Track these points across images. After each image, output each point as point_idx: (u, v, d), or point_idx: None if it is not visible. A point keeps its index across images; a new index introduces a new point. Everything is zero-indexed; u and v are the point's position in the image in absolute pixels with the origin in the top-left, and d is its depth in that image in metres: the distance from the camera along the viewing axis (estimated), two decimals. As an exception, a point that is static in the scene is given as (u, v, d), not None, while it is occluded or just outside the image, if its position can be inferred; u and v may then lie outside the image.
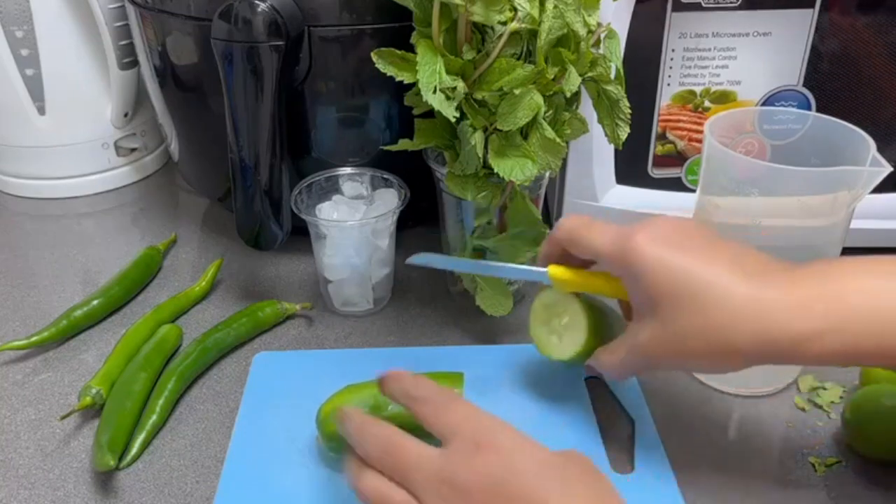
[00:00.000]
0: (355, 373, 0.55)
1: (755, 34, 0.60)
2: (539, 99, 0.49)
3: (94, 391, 0.52)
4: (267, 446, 0.49)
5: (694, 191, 0.56)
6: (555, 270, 0.48)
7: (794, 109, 0.60)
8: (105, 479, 0.48)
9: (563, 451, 0.37)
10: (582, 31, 0.50)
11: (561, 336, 0.50)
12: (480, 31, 0.51)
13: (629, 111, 0.54)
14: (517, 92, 0.49)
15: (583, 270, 0.48)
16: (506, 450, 0.36)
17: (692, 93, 0.62)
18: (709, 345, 0.39)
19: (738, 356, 0.39)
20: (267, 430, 0.51)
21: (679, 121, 0.64)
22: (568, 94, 0.51)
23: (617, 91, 0.53)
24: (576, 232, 0.45)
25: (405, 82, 0.50)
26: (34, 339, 0.58)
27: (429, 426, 0.38)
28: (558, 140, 0.51)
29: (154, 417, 0.51)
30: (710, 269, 0.39)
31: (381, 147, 0.61)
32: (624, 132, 0.55)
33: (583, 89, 0.55)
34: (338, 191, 0.63)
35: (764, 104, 0.62)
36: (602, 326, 0.48)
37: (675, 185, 0.66)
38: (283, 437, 0.50)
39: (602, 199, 0.66)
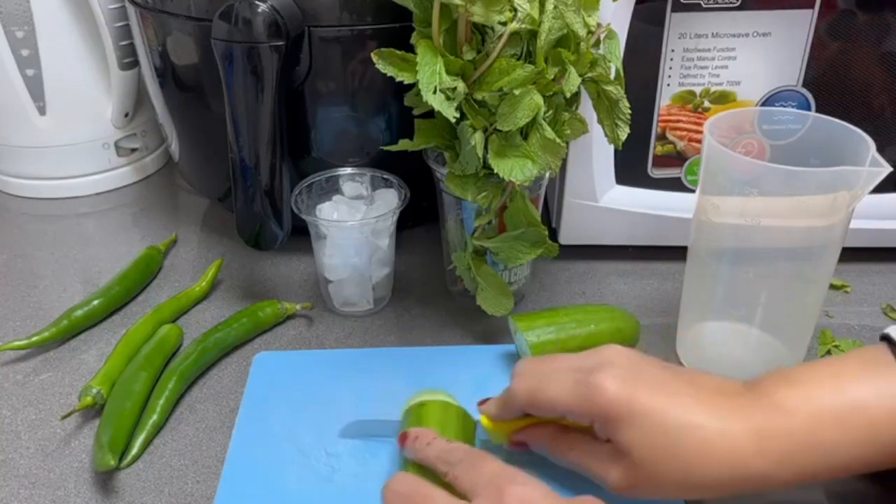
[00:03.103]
0: (356, 372, 0.55)
1: (755, 34, 0.60)
2: (539, 99, 0.49)
3: (94, 391, 0.52)
4: (267, 446, 0.49)
5: (693, 191, 0.56)
6: (489, 423, 0.46)
7: (794, 110, 0.60)
8: (105, 479, 0.48)
9: (579, 499, 0.38)
10: (582, 32, 0.50)
11: None
12: (480, 32, 0.51)
13: (629, 111, 0.54)
14: (517, 92, 0.49)
15: (520, 420, 0.46)
16: (526, 499, 0.37)
17: (692, 93, 0.62)
18: (685, 482, 0.39)
19: (712, 491, 0.39)
20: (267, 429, 0.51)
21: (679, 121, 0.64)
22: (568, 95, 0.51)
23: (617, 91, 0.53)
24: (534, 396, 0.43)
25: (405, 83, 0.50)
26: (34, 339, 0.58)
27: (459, 484, 0.39)
28: (558, 140, 0.51)
29: (154, 417, 0.52)
30: (678, 406, 0.39)
31: (382, 147, 0.61)
32: (624, 132, 0.55)
33: (583, 89, 0.55)
34: (338, 191, 0.63)
35: (763, 104, 0.62)
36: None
37: (675, 185, 0.66)
38: (284, 436, 0.50)
39: (602, 200, 0.66)
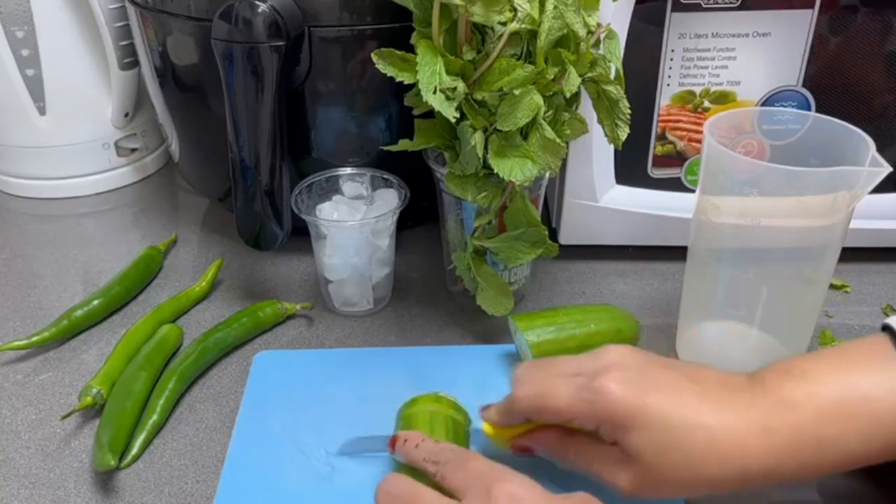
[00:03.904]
0: (356, 372, 0.55)
1: (755, 34, 0.60)
2: (539, 99, 0.49)
3: (94, 391, 0.52)
4: (268, 445, 0.49)
5: (693, 191, 0.56)
6: (491, 429, 0.46)
7: (794, 110, 0.60)
8: (105, 479, 0.48)
9: (569, 496, 0.38)
10: (582, 32, 0.50)
11: None
12: (480, 32, 0.51)
13: (629, 111, 0.54)
14: (517, 92, 0.49)
15: (522, 425, 0.45)
16: (518, 499, 0.37)
17: (692, 93, 0.62)
18: (693, 481, 0.39)
19: (720, 488, 0.39)
20: (268, 428, 0.51)
21: (679, 121, 0.64)
22: (568, 95, 0.51)
23: (616, 91, 0.53)
24: (537, 403, 0.42)
25: (405, 83, 0.50)
26: (35, 339, 0.58)
27: (447, 484, 0.39)
28: (558, 140, 0.51)
29: (154, 417, 0.52)
30: (684, 406, 0.39)
31: (382, 147, 0.61)
32: (623, 132, 0.55)
33: (583, 90, 0.55)
34: (338, 191, 0.63)
35: (763, 104, 0.62)
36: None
37: (675, 185, 0.66)
38: (284, 435, 0.50)
39: (602, 200, 0.66)
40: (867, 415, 0.37)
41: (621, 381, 0.39)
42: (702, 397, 0.39)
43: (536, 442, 0.45)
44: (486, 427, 0.46)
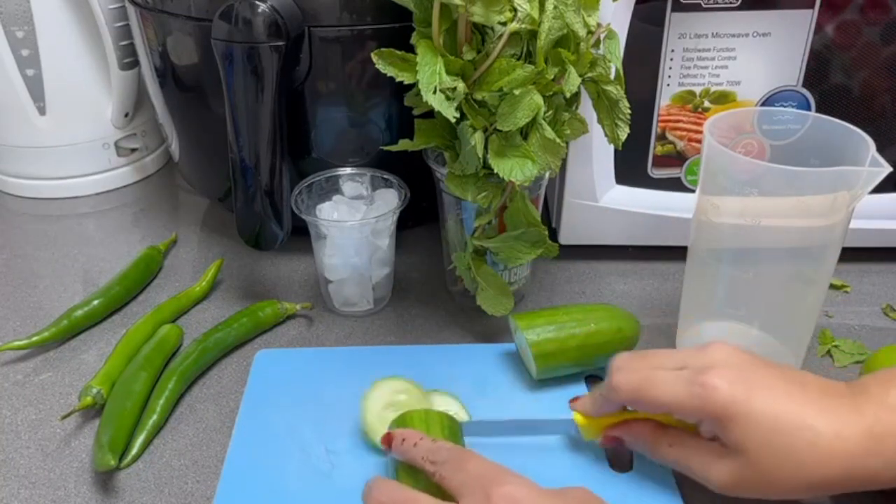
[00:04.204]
0: (357, 370, 0.55)
1: (755, 34, 0.60)
2: (539, 99, 0.49)
3: (94, 391, 0.52)
4: (268, 442, 0.50)
5: (693, 191, 0.56)
6: (582, 419, 0.46)
7: (794, 110, 0.60)
8: (105, 479, 0.48)
9: (566, 491, 0.38)
10: (582, 32, 0.50)
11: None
12: (480, 32, 0.51)
13: (629, 111, 0.54)
14: (517, 92, 0.49)
15: (614, 415, 0.46)
16: (516, 499, 0.37)
17: (692, 93, 0.62)
18: (798, 484, 0.39)
19: (823, 491, 0.40)
20: (268, 426, 0.51)
21: (679, 121, 0.64)
22: (568, 95, 0.51)
23: (616, 91, 0.53)
24: (639, 393, 0.43)
25: (405, 83, 0.50)
26: (35, 339, 0.58)
27: (445, 484, 0.40)
28: (558, 140, 0.51)
29: (154, 417, 0.52)
30: (792, 407, 0.39)
31: (382, 147, 0.61)
32: (623, 132, 0.55)
33: (583, 90, 0.55)
34: (338, 191, 0.63)
35: (763, 104, 0.62)
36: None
37: (675, 185, 0.66)
38: (285, 433, 0.50)
39: (602, 200, 0.66)
40: None
41: (728, 377, 0.40)
42: (808, 399, 0.40)
43: (630, 432, 0.45)
44: (576, 417, 0.46)
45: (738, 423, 0.39)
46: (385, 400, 0.50)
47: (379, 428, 0.48)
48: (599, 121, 0.55)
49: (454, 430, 0.46)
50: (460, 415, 0.50)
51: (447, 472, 0.40)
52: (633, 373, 0.43)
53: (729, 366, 0.41)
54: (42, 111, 0.79)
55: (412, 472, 0.42)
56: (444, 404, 0.51)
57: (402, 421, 0.47)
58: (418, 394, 0.50)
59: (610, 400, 0.45)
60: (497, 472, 0.39)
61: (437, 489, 0.40)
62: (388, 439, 0.44)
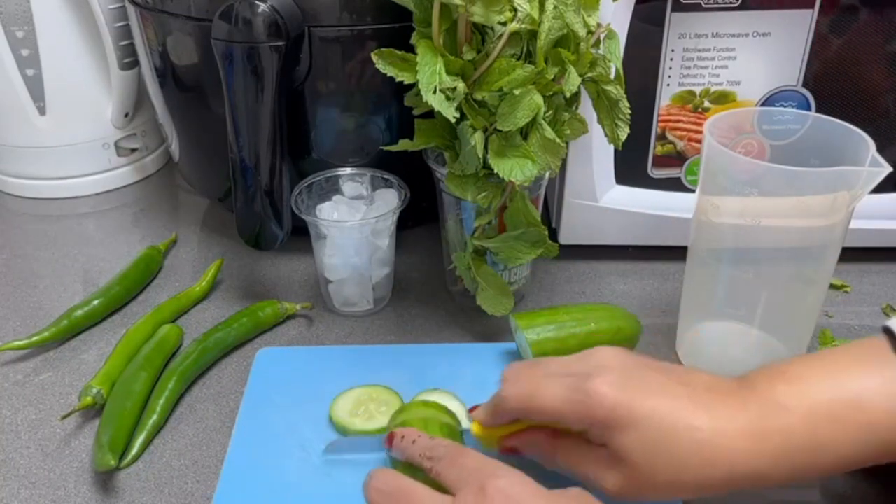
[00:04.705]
0: (357, 369, 0.55)
1: (755, 34, 0.60)
2: (539, 99, 0.49)
3: (94, 391, 0.52)
4: (268, 440, 0.50)
5: (693, 191, 0.56)
6: (479, 430, 0.46)
7: (794, 110, 0.60)
8: (105, 479, 0.48)
9: (563, 491, 0.38)
10: (582, 32, 0.50)
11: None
12: (480, 32, 0.51)
13: (629, 111, 0.54)
14: (517, 92, 0.49)
15: (510, 425, 0.45)
16: (511, 494, 0.37)
17: (692, 93, 0.62)
18: (682, 484, 0.38)
19: (708, 490, 0.39)
20: (269, 424, 0.51)
21: (679, 121, 0.64)
22: (568, 95, 0.51)
23: (616, 91, 0.53)
24: (527, 402, 0.42)
25: (405, 83, 0.50)
26: (35, 339, 0.58)
27: (442, 479, 0.40)
28: (558, 140, 0.51)
29: (154, 417, 0.52)
30: (674, 409, 0.39)
31: (382, 147, 0.61)
32: (623, 132, 0.55)
33: (582, 89, 0.55)
34: (338, 191, 0.63)
35: (763, 104, 0.62)
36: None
37: (675, 185, 0.66)
38: (285, 431, 0.50)
39: (602, 200, 0.66)
40: (860, 419, 0.37)
41: (612, 382, 0.39)
42: (692, 400, 0.39)
43: (524, 443, 0.44)
44: (474, 427, 0.46)
45: (622, 429, 0.38)
46: (351, 407, 0.51)
47: (352, 422, 0.49)
48: (599, 121, 0.55)
49: (452, 427, 0.46)
50: (459, 412, 0.50)
51: (443, 467, 0.40)
52: (521, 383, 0.43)
53: (612, 370, 0.40)
54: (42, 111, 0.79)
55: (410, 470, 0.42)
56: (444, 403, 0.51)
57: (401, 415, 0.47)
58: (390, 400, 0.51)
59: (500, 411, 0.44)
60: (493, 466, 0.39)
61: (434, 486, 0.40)
62: (389, 438, 0.44)
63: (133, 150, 0.85)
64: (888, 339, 0.39)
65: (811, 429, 0.37)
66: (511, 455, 0.45)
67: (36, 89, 0.78)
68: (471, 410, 0.46)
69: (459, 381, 0.54)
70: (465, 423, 0.49)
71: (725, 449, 0.37)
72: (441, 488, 0.39)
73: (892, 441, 0.37)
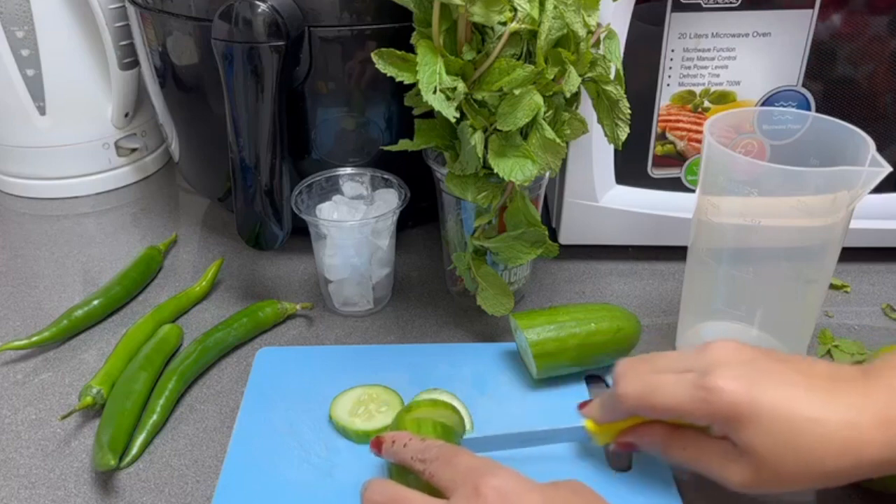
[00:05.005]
0: (357, 368, 0.55)
1: (755, 34, 0.60)
2: (539, 99, 0.49)
3: (94, 391, 0.52)
4: (269, 439, 0.50)
5: (693, 191, 0.56)
6: (593, 426, 0.46)
7: (794, 109, 0.60)
8: (105, 479, 0.48)
9: (557, 483, 0.38)
10: (582, 32, 0.50)
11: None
12: (480, 32, 0.51)
13: (629, 111, 0.54)
14: (517, 92, 0.49)
15: (625, 420, 0.45)
16: (505, 492, 0.37)
17: (692, 93, 0.62)
18: (809, 475, 0.39)
19: (836, 480, 0.39)
20: (268, 424, 0.51)
21: (679, 121, 0.64)
22: (568, 95, 0.51)
23: (616, 91, 0.53)
24: (645, 400, 0.42)
25: (405, 83, 0.50)
26: (35, 338, 0.58)
27: (436, 481, 0.40)
28: (558, 140, 0.51)
29: (154, 417, 0.52)
30: (798, 400, 0.39)
31: (382, 147, 0.61)
32: (623, 132, 0.55)
33: (582, 89, 0.55)
34: (338, 191, 0.63)
35: (763, 104, 0.62)
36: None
37: (675, 185, 0.66)
38: (285, 430, 0.50)
39: (602, 200, 0.66)
40: None
41: (733, 377, 0.39)
42: (814, 390, 0.39)
43: (642, 438, 0.45)
44: (587, 424, 0.46)
45: (746, 423, 0.39)
46: (351, 407, 0.51)
47: (351, 421, 0.49)
48: (599, 121, 0.55)
49: (447, 430, 0.46)
50: (460, 412, 0.50)
51: (436, 469, 0.40)
52: (637, 379, 0.43)
53: (732, 365, 0.40)
54: (42, 111, 0.79)
55: (404, 473, 0.42)
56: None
57: (394, 425, 0.47)
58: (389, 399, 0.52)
59: (616, 408, 0.44)
60: (486, 465, 0.39)
61: (429, 489, 0.40)
62: (377, 443, 0.44)
63: (133, 150, 0.85)
64: None
65: None
66: (628, 450, 0.46)
67: (36, 89, 0.78)
68: (580, 406, 0.47)
69: (459, 381, 0.54)
70: (468, 421, 0.50)
71: (852, 439, 0.37)
72: (435, 490, 0.39)
73: None
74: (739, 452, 0.40)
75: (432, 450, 0.41)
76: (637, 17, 0.59)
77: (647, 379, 0.42)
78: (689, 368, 0.41)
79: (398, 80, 0.51)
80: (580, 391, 0.53)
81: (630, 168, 0.66)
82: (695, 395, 0.40)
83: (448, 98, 0.49)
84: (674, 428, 0.43)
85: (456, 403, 0.51)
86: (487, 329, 0.61)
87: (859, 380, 0.40)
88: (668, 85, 0.62)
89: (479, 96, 0.50)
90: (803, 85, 0.62)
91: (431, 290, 0.66)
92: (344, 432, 0.50)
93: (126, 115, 0.82)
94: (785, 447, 0.38)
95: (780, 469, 0.39)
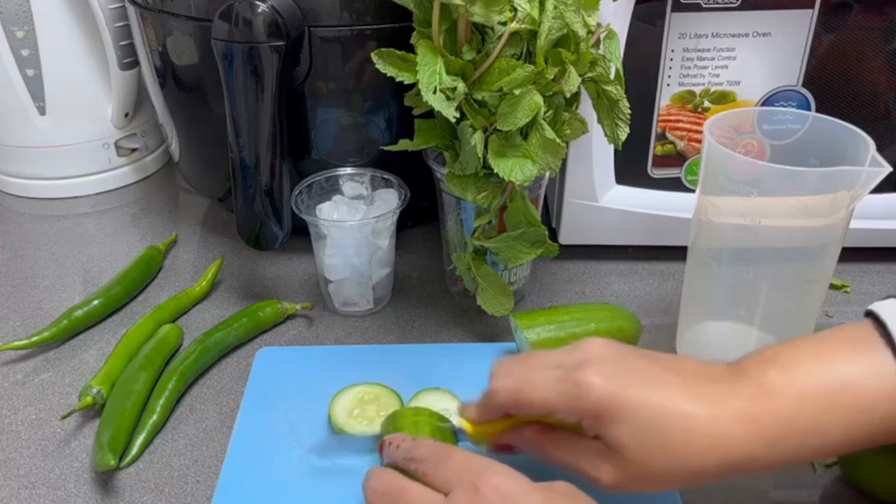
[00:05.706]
0: (357, 368, 0.55)
1: (755, 34, 0.60)
2: (539, 99, 0.49)
3: (94, 391, 0.52)
4: (268, 439, 0.50)
5: (693, 191, 0.56)
6: (470, 427, 0.45)
7: (794, 109, 0.60)
8: (105, 479, 0.48)
9: (550, 485, 0.38)
10: (582, 32, 0.50)
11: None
12: (480, 32, 0.51)
13: (629, 111, 0.54)
14: (517, 92, 0.49)
15: (501, 421, 0.44)
16: (503, 490, 0.37)
17: (692, 93, 0.62)
18: (677, 473, 0.38)
19: (703, 478, 0.39)
20: (268, 424, 0.51)
21: (679, 121, 0.64)
22: (568, 95, 0.51)
23: (616, 91, 0.53)
24: (517, 396, 0.41)
25: (405, 83, 0.50)
26: (35, 338, 0.58)
27: (430, 481, 0.39)
28: (558, 140, 0.51)
29: (154, 417, 0.52)
30: (665, 397, 0.38)
31: (382, 147, 0.61)
32: (623, 132, 0.55)
33: (582, 89, 0.55)
34: (338, 191, 0.63)
35: (763, 104, 0.62)
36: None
37: (675, 185, 0.66)
38: (285, 430, 0.50)
39: (602, 200, 0.66)
40: (849, 402, 0.37)
41: (601, 373, 0.39)
42: (683, 387, 0.39)
43: (516, 439, 0.44)
44: (465, 425, 0.45)
45: (614, 419, 0.38)
46: (350, 408, 0.51)
47: (349, 422, 0.49)
48: (599, 121, 0.55)
49: (445, 433, 0.46)
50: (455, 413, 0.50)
51: (429, 468, 0.39)
52: (511, 376, 0.42)
53: (602, 360, 0.40)
54: (42, 111, 0.79)
55: (406, 475, 0.42)
56: (443, 402, 0.51)
57: (391, 420, 0.47)
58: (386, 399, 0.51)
59: (490, 407, 0.43)
60: (483, 464, 0.38)
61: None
62: (381, 447, 0.44)
63: (133, 150, 0.85)
64: (872, 323, 0.39)
65: (803, 413, 0.37)
66: (504, 453, 0.45)
67: (36, 89, 0.78)
68: (461, 408, 0.46)
69: (459, 381, 0.54)
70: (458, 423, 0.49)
71: (718, 436, 0.37)
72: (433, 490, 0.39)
73: (881, 424, 0.37)
74: (609, 451, 0.39)
75: (421, 449, 0.41)
76: (637, 17, 0.59)
77: (519, 375, 0.42)
78: (560, 365, 0.41)
79: (398, 80, 0.51)
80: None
81: (630, 168, 0.66)
82: (564, 391, 0.39)
83: (448, 98, 0.49)
84: (546, 428, 0.43)
85: (454, 404, 0.51)
86: (487, 329, 0.61)
87: (727, 377, 0.39)
88: (668, 85, 0.62)
89: (479, 96, 0.50)
90: (803, 85, 0.62)
91: (431, 290, 0.66)
92: (342, 432, 0.50)
93: (126, 115, 0.82)
94: (652, 444, 0.38)
95: (648, 466, 0.38)
